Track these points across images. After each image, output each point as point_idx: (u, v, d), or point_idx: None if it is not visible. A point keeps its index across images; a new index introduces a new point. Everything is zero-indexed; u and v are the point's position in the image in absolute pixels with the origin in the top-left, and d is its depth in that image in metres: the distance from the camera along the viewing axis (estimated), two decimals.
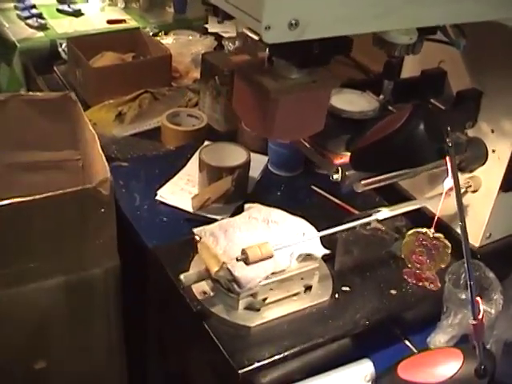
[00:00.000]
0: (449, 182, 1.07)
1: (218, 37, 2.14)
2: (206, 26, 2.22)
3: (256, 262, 1.04)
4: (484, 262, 1.25)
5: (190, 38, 2.11)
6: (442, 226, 1.30)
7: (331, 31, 0.89)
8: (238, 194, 1.50)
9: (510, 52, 1.17)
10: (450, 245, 1.21)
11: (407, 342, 1.29)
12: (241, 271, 1.12)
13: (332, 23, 0.88)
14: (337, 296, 1.25)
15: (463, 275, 1.27)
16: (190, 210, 1.49)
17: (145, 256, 1.39)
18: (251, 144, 1.63)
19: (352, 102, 1.19)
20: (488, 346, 1.23)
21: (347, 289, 1.27)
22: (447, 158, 1.03)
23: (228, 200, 1.49)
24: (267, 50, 1.02)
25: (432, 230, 1.19)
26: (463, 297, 1.24)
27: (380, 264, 1.33)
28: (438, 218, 1.23)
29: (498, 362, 1.20)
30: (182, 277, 1.16)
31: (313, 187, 1.54)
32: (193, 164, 1.65)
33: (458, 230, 1.31)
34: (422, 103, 1.19)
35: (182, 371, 1.53)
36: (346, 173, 1.11)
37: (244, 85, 1.06)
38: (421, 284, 1.24)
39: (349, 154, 1.13)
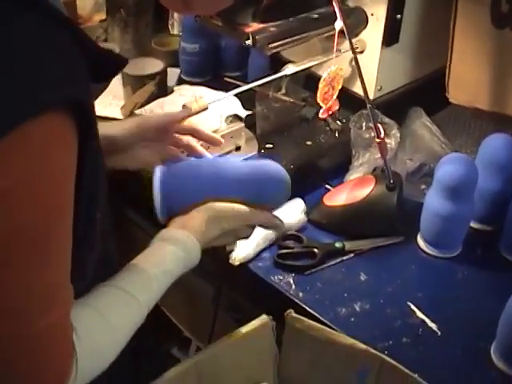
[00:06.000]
0: (339, 23, 1.30)
1: None
2: None
3: (196, 113, 1.25)
4: (379, 111, 1.50)
5: None
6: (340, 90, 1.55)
7: None
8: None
9: None
10: (341, 68, 1.43)
11: (327, 186, 1.52)
12: None
13: None
14: (263, 151, 1.47)
15: (364, 123, 1.51)
16: (121, 117, 1.68)
17: None
18: (163, 60, 1.83)
19: None
20: None
21: (270, 146, 1.49)
22: (334, 2, 1.26)
23: None
24: None
25: (332, 66, 1.41)
26: (367, 136, 1.48)
27: (294, 125, 1.57)
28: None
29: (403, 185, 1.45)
30: None
31: (225, 79, 1.76)
32: (114, 84, 1.82)
33: (354, 89, 1.56)
34: None
35: None
36: (256, 37, 1.33)
37: None
38: (330, 112, 1.46)
39: (255, 24, 1.35)
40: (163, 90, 1.72)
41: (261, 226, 1.18)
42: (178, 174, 1.13)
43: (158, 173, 1.11)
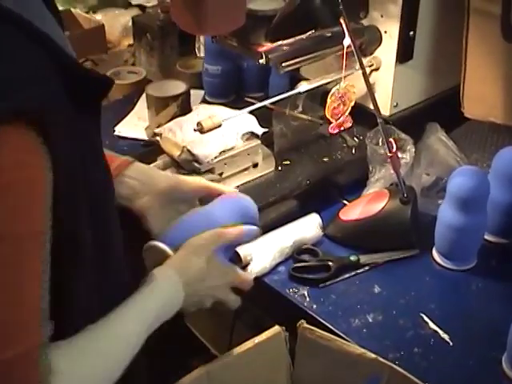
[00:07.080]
0: (347, 40, 1.33)
1: (142, 8, 2.38)
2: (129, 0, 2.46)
3: (210, 129, 1.29)
4: (396, 127, 1.52)
5: (117, 12, 2.36)
6: (356, 107, 1.58)
7: None
8: None
9: None
10: (353, 84, 1.46)
11: (345, 202, 1.55)
12: (198, 149, 1.37)
13: None
14: (280, 168, 1.51)
15: (380, 139, 1.53)
16: (146, 138, 1.73)
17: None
18: (187, 82, 1.88)
19: (264, 4, 1.46)
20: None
21: (287, 162, 1.53)
22: (341, 20, 1.29)
23: None
24: None
25: (341, 83, 1.45)
26: (382, 151, 1.50)
27: (311, 142, 1.60)
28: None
29: (418, 200, 1.46)
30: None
31: (246, 99, 1.80)
32: (140, 106, 1.89)
33: (370, 106, 1.59)
34: None
35: None
36: (269, 56, 1.37)
37: None
38: (342, 128, 1.50)
39: (268, 43, 1.40)
40: (186, 111, 1.76)
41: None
42: (177, 236, 1.16)
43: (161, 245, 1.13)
